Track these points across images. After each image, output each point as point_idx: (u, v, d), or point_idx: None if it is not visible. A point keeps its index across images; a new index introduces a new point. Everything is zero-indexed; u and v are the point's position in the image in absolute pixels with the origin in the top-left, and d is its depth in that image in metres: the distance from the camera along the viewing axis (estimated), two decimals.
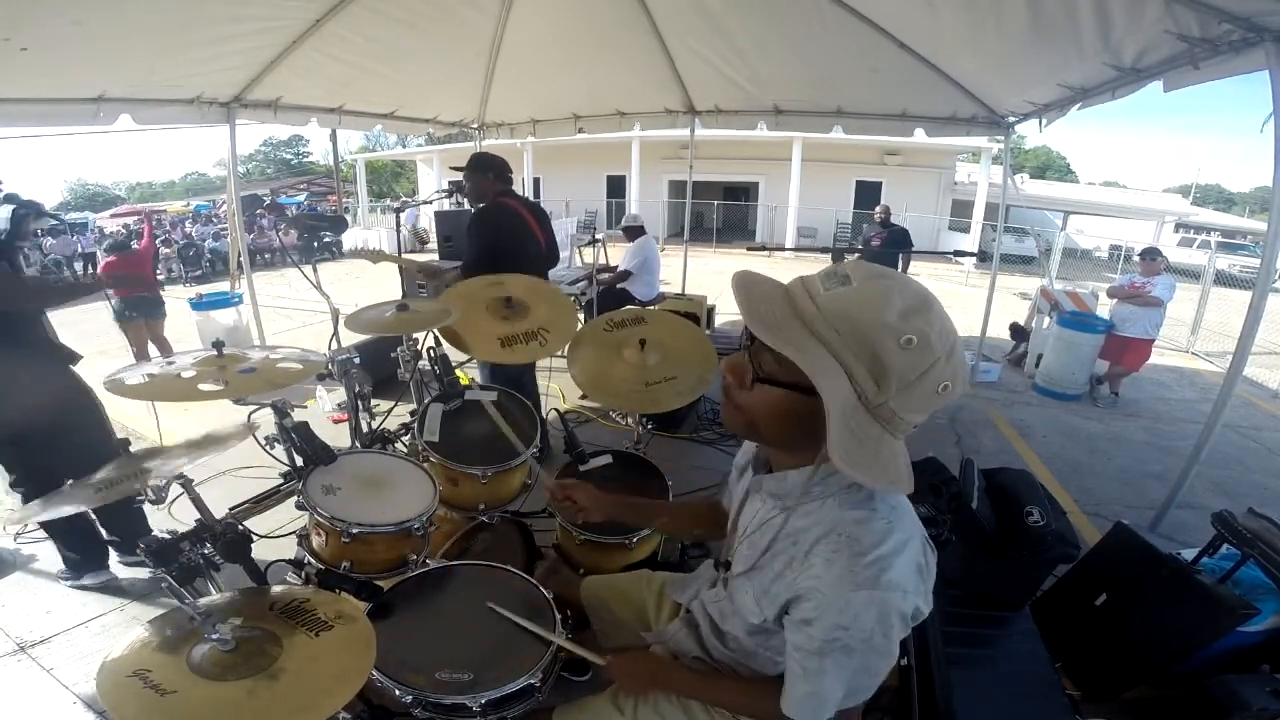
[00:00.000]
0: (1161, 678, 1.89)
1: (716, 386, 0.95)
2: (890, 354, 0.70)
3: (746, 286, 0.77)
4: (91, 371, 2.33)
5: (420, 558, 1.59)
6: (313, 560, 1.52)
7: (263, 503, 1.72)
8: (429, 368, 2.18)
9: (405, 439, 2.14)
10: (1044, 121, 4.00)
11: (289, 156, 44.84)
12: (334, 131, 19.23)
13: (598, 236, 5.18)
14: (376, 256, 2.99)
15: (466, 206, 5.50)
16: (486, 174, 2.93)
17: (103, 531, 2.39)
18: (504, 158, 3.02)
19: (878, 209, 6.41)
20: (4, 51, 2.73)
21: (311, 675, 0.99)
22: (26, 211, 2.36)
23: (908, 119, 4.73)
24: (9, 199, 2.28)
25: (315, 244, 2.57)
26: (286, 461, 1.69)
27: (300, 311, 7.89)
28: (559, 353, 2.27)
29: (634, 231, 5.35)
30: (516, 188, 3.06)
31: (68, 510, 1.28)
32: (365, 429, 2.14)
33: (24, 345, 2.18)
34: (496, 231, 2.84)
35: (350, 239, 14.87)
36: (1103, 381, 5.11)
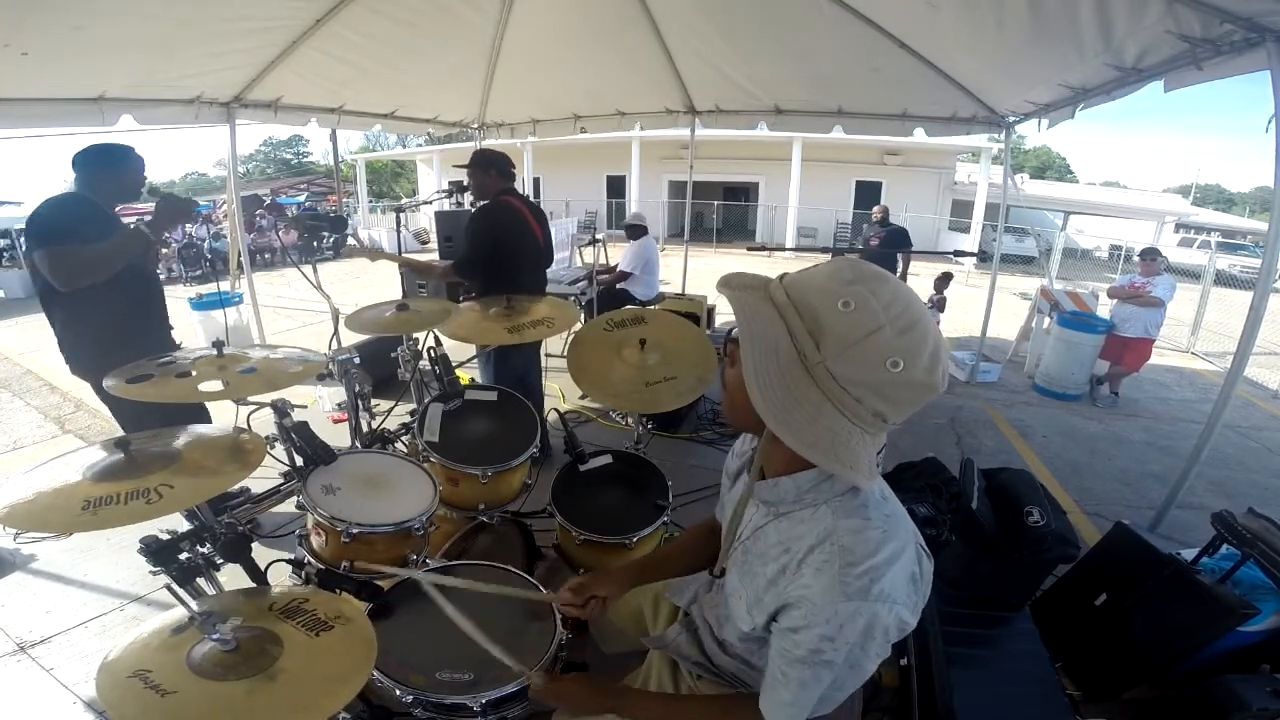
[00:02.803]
0: (1161, 678, 1.89)
1: (716, 387, 0.95)
2: (827, 313, 0.71)
3: (729, 277, 0.83)
4: None
5: (420, 558, 1.59)
6: (313, 560, 1.52)
7: (263, 503, 1.72)
8: (429, 368, 2.18)
9: (405, 439, 2.15)
10: (1047, 123, 3.98)
11: (289, 156, 44.80)
12: (334, 131, 19.24)
13: (598, 236, 5.18)
14: (375, 255, 2.99)
15: (466, 206, 5.50)
16: (489, 171, 2.92)
17: None
18: (506, 154, 3.01)
19: (876, 209, 6.40)
20: (4, 56, 2.73)
21: (312, 675, 0.99)
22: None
23: (908, 119, 4.72)
24: (153, 191, 2.39)
25: (315, 244, 2.58)
26: (286, 461, 1.69)
27: (300, 311, 7.89)
28: (561, 352, 2.28)
29: (636, 230, 5.34)
30: (516, 187, 3.06)
31: None
32: (365, 429, 2.14)
33: (155, 312, 2.45)
34: (498, 229, 2.83)
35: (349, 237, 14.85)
36: (1103, 381, 5.11)
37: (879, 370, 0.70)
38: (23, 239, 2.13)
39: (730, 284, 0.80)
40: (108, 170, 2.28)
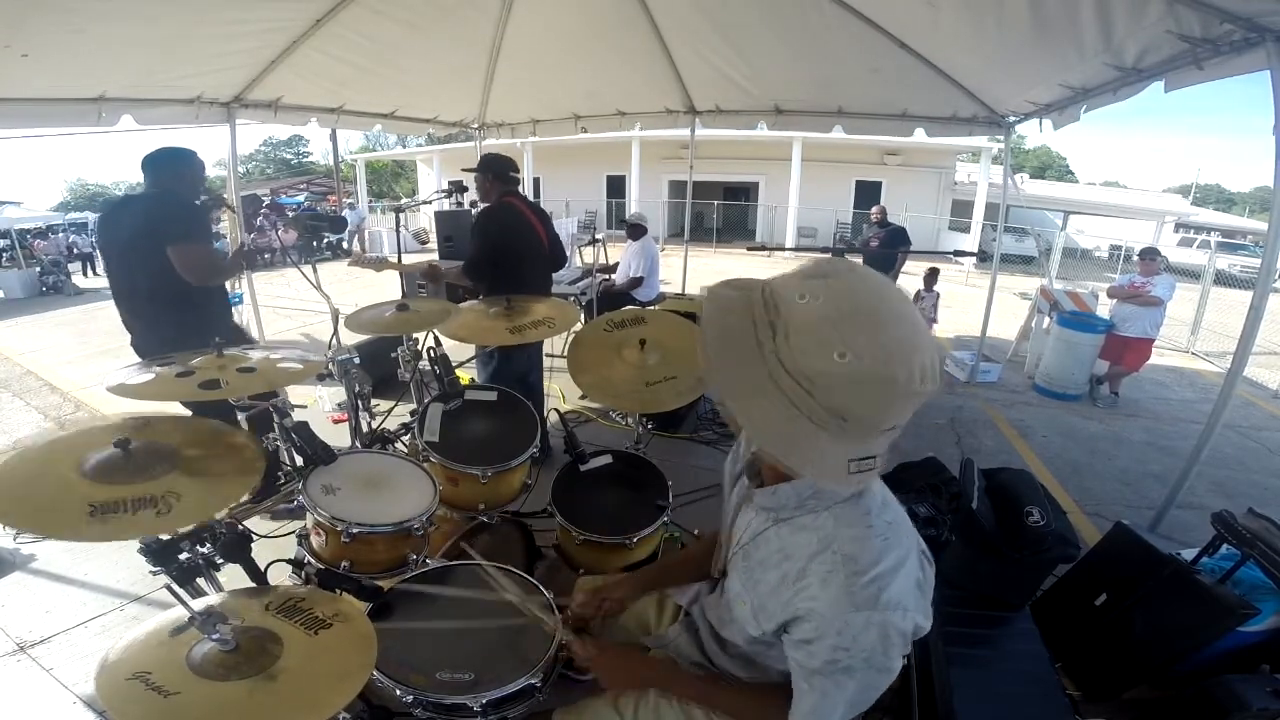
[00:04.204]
0: (1161, 678, 1.89)
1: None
2: (787, 305, 0.72)
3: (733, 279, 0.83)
4: (94, 372, 2.35)
5: (420, 558, 1.58)
6: (313, 560, 1.52)
7: (263, 503, 1.72)
8: (429, 368, 2.18)
9: (405, 439, 2.15)
10: (1050, 123, 3.96)
11: (289, 156, 44.73)
12: (334, 131, 19.23)
13: (598, 236, 5.18)
14: (380, 265, 3.01)
15: (466, 206, 5.50)
16: (488, 175, 2.99)
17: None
18: (511, 158, 3.07)
19: (874, 210, 6.40)
20: (4, 57, 2.73)
21: (313, 675, 0.99)
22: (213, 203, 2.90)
23: (908, 119, 4.73)
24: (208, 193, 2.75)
25: (315, 244, 2.62)
26: (287, 461, 1.69)
27: (300, 311, 7.89)
28: (561, 352, 2.28)
29: (637, 230, 5.33)
30: (519, 190, 3.09)
31: None
32: (365, 429, 2.14)
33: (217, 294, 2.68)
34: (499, 230, 2.88)
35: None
36: (1103, 381, 5.11)
37: (826, 361, 0.67)
38: (119, 231, 2.40)
39: (729, 283, 0.81)
40: (191, 171, 2.54)
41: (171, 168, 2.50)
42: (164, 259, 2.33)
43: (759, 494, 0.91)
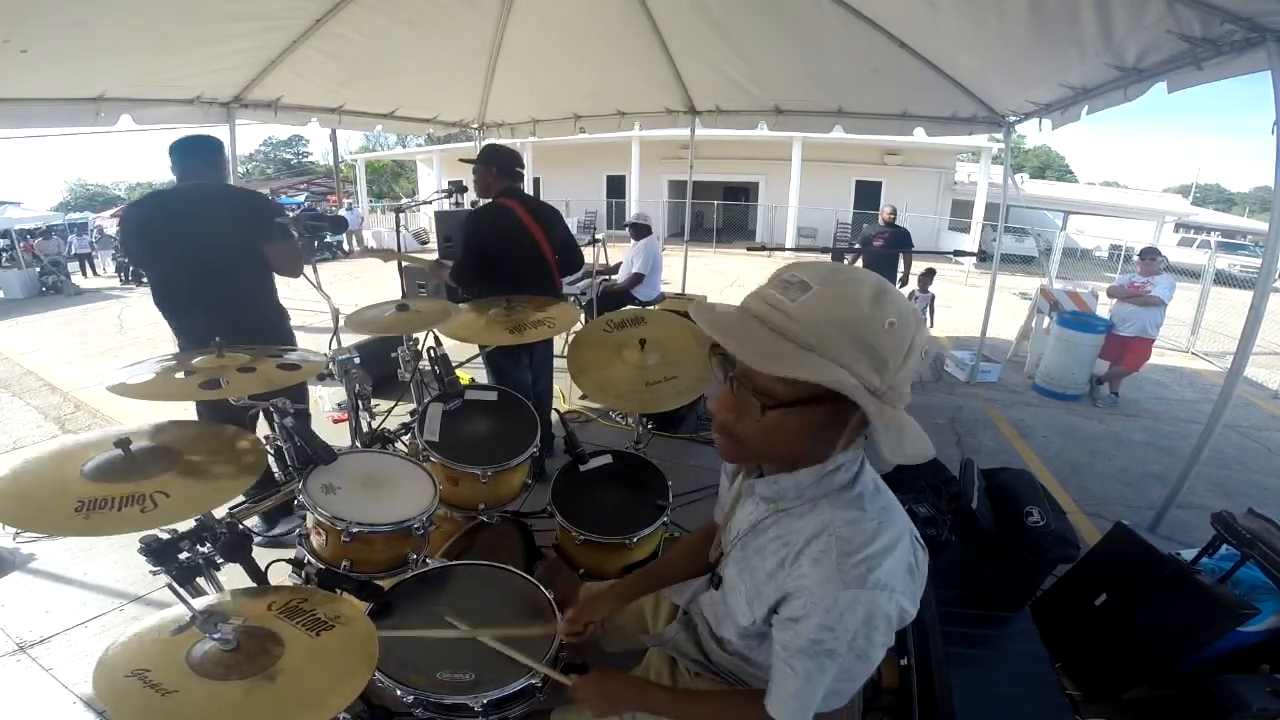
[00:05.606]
0: (1161, 678, 1.89)
1: (716, 387, 0.94)
2: (881, 340, 0.73)
3: (720, 324, 0.76)
4: (94, 372, 2.35)
5: (420, 558, 1.58)
6: (313, 560, 1.52)
7: (262, 502, 1.72)
8: (429, 368, 2.18)
9: (405, 439, 2.15)
10: (1050, 123, 3.95)
11: (289, 156, 44.75)
12: (334, 131, 19.26)
13: (598, 236, 5.17)
14: (388, 255, 2.99)
15: (466, 206, 5.50)
16: (490, 167, 2.81)
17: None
18: (517, 152, 2.90)
19: (886, 209, 6.40)
20: (3, 52, 2.73)
21: (313, 675, 0.99)
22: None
23: (908, 119, 4.72)
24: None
25: (315, 244, 2.60)
26: (287, 461, 1.69)
27: (300, 311, 7.89)
28: (561, 352, 2.28)
29: (641, 230, 5.31)
30: (521, 187, 2.94)
31: None
32: (365, 429, 2.14)
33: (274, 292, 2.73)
34: (485, 233, 2.74)
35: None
36: (1103, 381, 5.11)
37: (919, 363, 0.77)
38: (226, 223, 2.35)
39: (766, 356, 0.72)
40: (223, 159, 2.52)
41: (203, 156, 2.44)
42: (240, 258, 2.33)
43: (760, 484, 0.92)
